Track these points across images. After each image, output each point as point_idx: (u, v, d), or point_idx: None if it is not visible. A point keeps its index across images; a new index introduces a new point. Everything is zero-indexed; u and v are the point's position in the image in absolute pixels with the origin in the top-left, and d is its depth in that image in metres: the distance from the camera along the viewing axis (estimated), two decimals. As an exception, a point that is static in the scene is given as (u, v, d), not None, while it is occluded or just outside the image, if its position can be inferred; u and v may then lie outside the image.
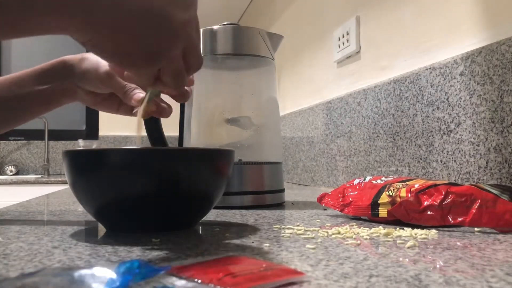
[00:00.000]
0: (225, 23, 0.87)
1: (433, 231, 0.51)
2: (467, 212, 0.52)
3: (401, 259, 0.38)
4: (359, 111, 1.19)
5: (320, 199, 0.70)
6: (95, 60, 0.68)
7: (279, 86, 1.93)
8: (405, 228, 0.52)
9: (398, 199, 0.57)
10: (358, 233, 0.50)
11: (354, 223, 0.58)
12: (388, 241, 0.47)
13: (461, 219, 0.52)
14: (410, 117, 0.95)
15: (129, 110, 0.73)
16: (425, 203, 0.54)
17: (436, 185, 0.55)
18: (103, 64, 0.67)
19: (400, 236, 0.49)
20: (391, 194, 0.59)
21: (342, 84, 1.34)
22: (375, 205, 0.60)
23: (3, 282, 0.28)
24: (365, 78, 1.20)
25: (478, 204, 0.51)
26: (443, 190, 0.54)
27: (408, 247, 0.43)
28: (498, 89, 0.72)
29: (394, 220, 0.57)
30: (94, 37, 0.38)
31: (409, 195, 0.56)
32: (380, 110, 1.08)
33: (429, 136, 0.89)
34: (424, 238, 0.48)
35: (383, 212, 0.59)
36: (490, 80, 0.74)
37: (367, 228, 0.52)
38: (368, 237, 0.48)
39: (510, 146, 0.70)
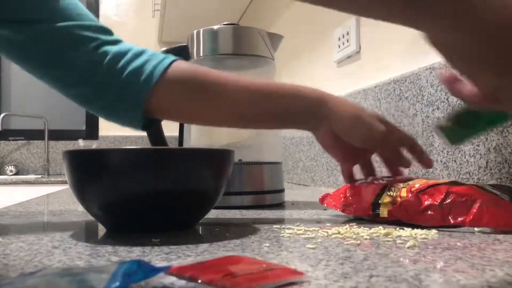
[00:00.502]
0: (225, 23, 0.87)
1: (433, 231, 0.51)
2: (467, 212, 0.52)
3: (401, 259, 0.38)
4: (359, 111, 1.18)
5: (322, 199, 0.70)
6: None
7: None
8: (405, 228, 0.52)
9: (399, 199, 0.57)
10: (358, 233, 0.50)
11: (354, 223, 0.58)
12: (388, 241, 0.47)
13: (462, 219, 0.52)
14: (410, 117, 0.95)
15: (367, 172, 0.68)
16: (426, 203, 0.54)
17: (436, 185, 0.55)
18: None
19: (400, 236, 0.49)
20: (392, 194, 0.59)
21: (342, 84, 1.34)
22: (376, 205, 0.60)
23: (3, 282, 0.28)
24: (365, 78, 1.20)
25: (478, 204, 0.51)
26: (443, 190, 0.54)
27: (408, 247, 0.43)
28: (498, 89, 0.72)
29: (395, 220, 0.57)
30: (456, 39, 0.37)
31: (410, 195, 0.56)
32: (380, 110, 1.08)
33: (429, 136, 0.89)
34: (424, 238, 0.48)
35: (383, 212, 0.59)
36: (490, 80, 0.74)
37: (367, 228, 0.52)
38: (368, 237, 0.48)
39: (510, 146, 0.70)
